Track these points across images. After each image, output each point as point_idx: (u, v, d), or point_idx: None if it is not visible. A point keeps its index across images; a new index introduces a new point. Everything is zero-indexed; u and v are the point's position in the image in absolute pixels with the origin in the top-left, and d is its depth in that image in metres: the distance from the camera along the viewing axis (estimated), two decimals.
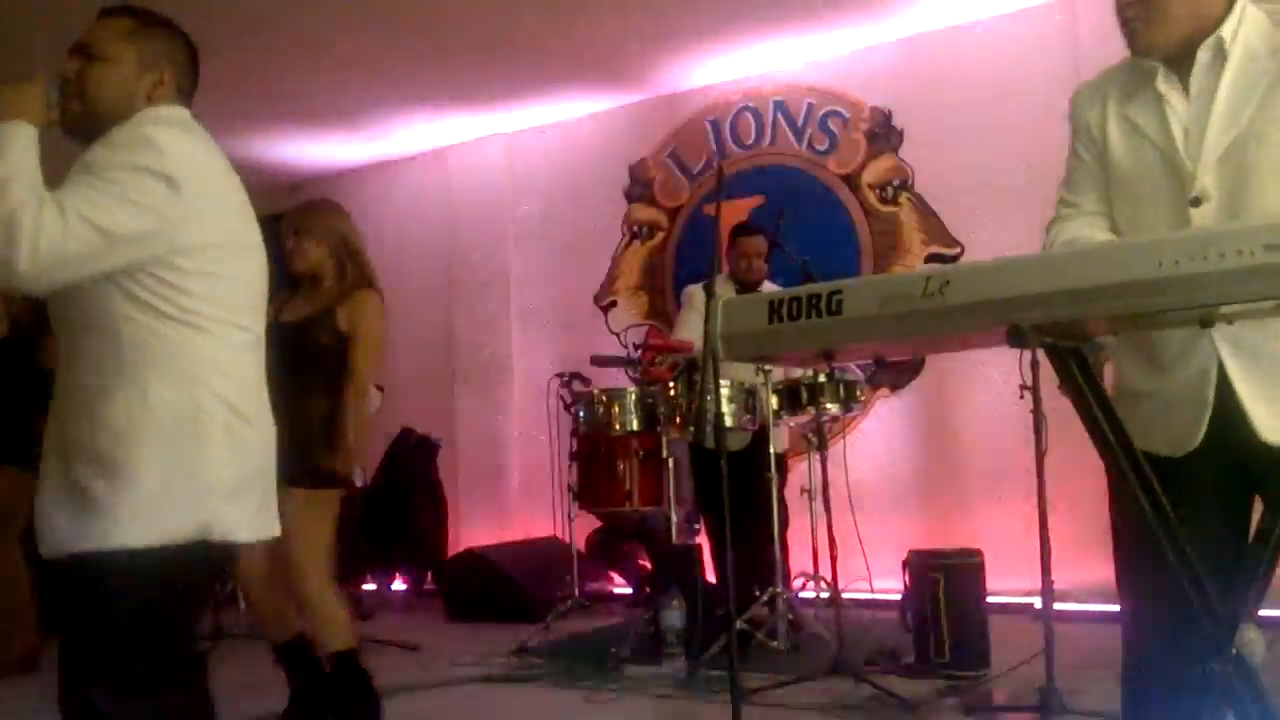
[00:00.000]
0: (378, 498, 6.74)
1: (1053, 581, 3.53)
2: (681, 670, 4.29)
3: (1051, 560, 3.56)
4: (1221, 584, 1.65)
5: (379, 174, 8.13)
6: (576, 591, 5.46)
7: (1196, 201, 1.82)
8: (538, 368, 6.93)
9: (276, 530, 2.12)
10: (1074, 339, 1.68)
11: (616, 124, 7.20)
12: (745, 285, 4.96)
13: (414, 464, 6.98)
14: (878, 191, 6.33)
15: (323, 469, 3.33)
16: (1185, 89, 1.88)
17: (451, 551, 6.85)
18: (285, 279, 3.45)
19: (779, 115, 6.64)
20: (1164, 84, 1.89)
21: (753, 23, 5.98)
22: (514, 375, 7.49)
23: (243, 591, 4.15)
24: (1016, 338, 1.54)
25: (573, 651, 4.77)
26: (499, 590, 5.88)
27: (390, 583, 7.15)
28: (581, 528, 5.77)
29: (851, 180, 6.40)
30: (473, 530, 7.22)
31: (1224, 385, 1.79)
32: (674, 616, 4.43)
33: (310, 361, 3.41)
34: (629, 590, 6.24)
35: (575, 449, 5.10)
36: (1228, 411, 1.79)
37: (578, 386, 5.19)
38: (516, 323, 7.56)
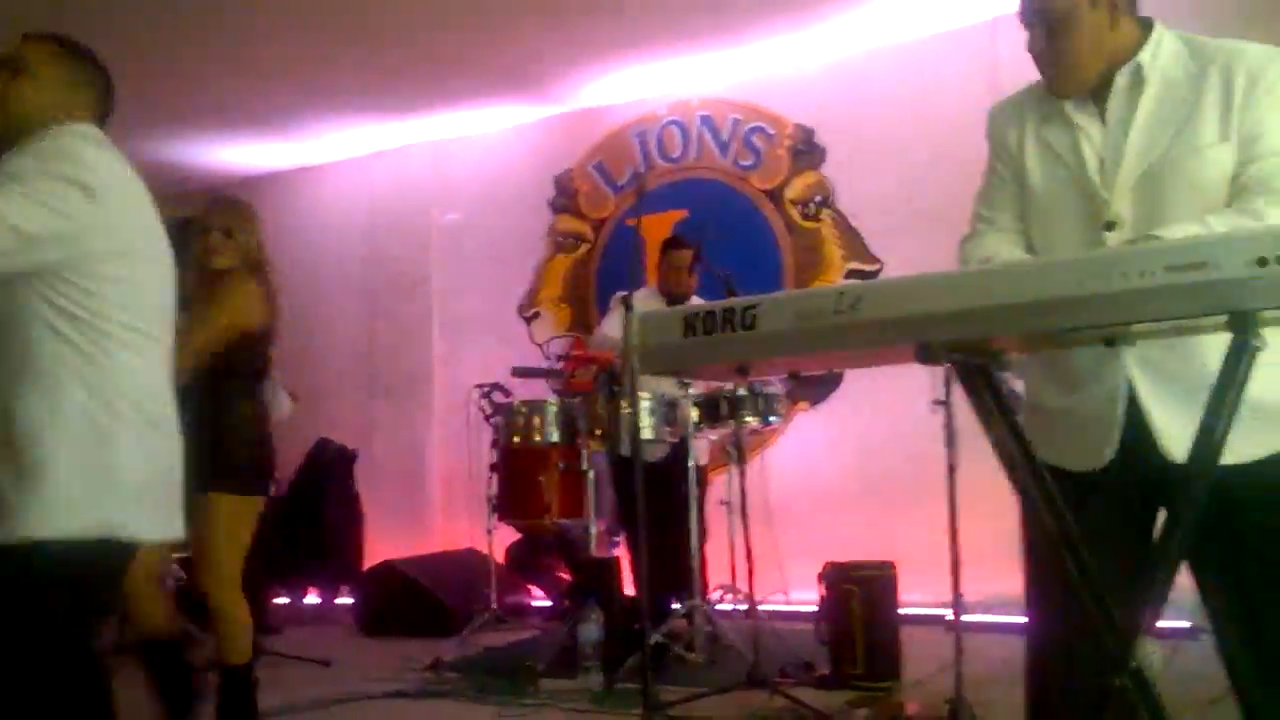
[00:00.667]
0: (292, 508, 6.59)
1: (962, 594, 3.59)
2: (598, 684, 4.26)
3: (964, 572, 3.61)
4: (1128, 598, 1.68)
5: (300, 180, 8.00)
6: (494, 605, 5.40)
7: (1110, 226, 1.86)
8: (459, 378, 6.85)
9: (180, 532, 2.18)
10: (983, 356, 1.70)
11: (542, 135, 7.18)
12: (674, 299, 4.98)
13: (330, 475, 6.86)
14: (800, 208, 6.39)
15: (235, 472, 3.27)
16: (1101, 114, 1.91)
17: (367, 564, 6.73)
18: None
19: (704, 130, 6.68)
20: (1077, 112, 1.92)
21: (679, 38, 6.02)
22: (434, 386, 7.41)
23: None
24: (926, 355, 1.55)
25: (489, 666, 4.71)
26: (415, 604, 5.79)
27: (303, 596, 7.01)
28: (501, 540, 5.72)
29: (775, 196, 6.46)
30: (390, 542, 7.10)
31: (1134, 404, 1.83)
32: (591, 630, 4.40)
33: (215, 364, 3.33)
34: (548, 603, 6.20)
35: (495, 461, 5.06)
36: (1138, 429, 1.83)
37: (498, 398, 5.15)
38: (438, 333, 7.48)
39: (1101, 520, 1.83)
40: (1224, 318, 1.43)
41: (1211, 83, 1.83)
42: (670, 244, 5.21)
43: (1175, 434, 1.78)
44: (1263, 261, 1.38)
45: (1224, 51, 1.85)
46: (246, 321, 3.39)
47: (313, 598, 7.02)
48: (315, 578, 6.95)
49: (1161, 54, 1.88)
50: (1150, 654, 1.56)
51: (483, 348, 7.12)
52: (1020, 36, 1.96)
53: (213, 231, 3.45)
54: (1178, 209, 1.81)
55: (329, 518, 6.76)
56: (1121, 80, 1.89)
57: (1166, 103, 1.85)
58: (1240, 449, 1.58)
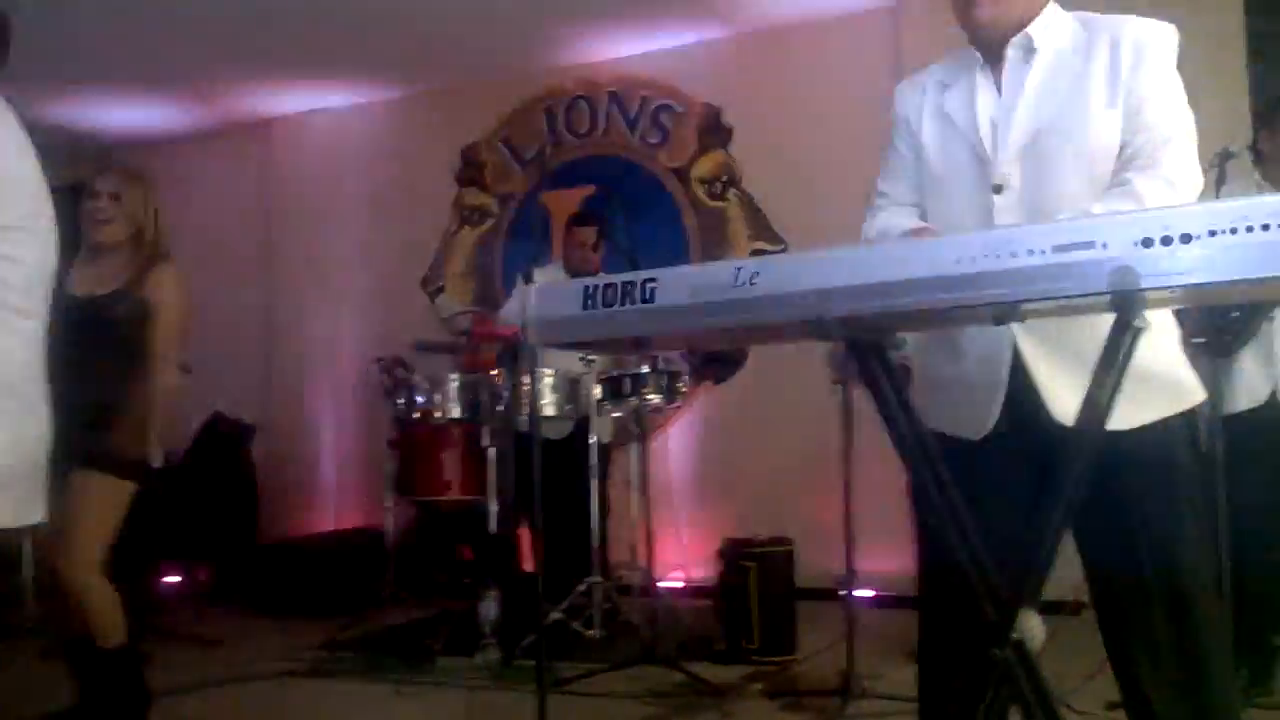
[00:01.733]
0: (183, 485, 6.39)
1: (856, 570, 3.65)
2: (496, 661, 4.24)
3: (860, 549, 3.68)
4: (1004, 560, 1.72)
5: (196, 144, 7.72)
6: (391, 583, 5.33)
7: (998, 189, 1.90)
8: (359, 352, 6.73)
9: (41, 517, 2.08)
10: (877, 333, 1.72)
11: (449, 105, 7.05)
12: (579, 275, 4.93)
13: (223, 450, 6.67)
14: (707, 186, 6.41)
15: (114, 453, 3.13)
16: (997, 84, 1.97)
17: (261, 542, 6.59)
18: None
19: (613, 106, 6.65)
20: (979, 76, 1.98)
21: (588, 12, 5.96)
22: (334, 360, 7.26)
23: (40, 582, 3.88)
24: (819, 330, 1.56)
25: (385, 644, 4.65)
26: (309, 582, 5.68)
27: (193, 574, 6.81)
28: (399, 518, 5.64)
29: (681, 174, 6.46)
30: (286, 520, 6.96)
31: (1019, 368, 1.87)
32: (490, 607, 4.37)
33: (105, 338, 3.21)
34: (446, 582, 6.13)
35: (394, 436, 4.98)
36: (1024, 394, 1.87)
37: (399, 372, 5.05)
38: (338, 306, 7.32)
39: (992, 486, 1.86)
40: (1108, 297, 1.47)
41: (1100, 52, 1.89)
42: (575, 220, 5.18)
43: (1062, 398, 1.81)
44: (1147, 242, 1.41)
45: (1112, 23, 1.91)
46: (185, 312, 3.31)
47: (203, 576, 6.82)
48: (207, 555, 6.75)
49: (1053, 26, 1.95)
50: (1032, 627, 1.59)
51: (384, 321, 6.99)
52: (922, 25, 1.98)
53: (101, 196, 3.31)
54: (1064, 173, 1.87)
55: (222, 494, 6.57)
56: (1013, 52, 1.95)
57: (1056, 72, 1.92)
58: (1125, 416, 1.61)
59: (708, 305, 1.64)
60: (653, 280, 1.70)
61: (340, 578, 5.63)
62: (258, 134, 7.61)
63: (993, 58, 1.98)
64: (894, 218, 2.05)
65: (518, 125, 6.89)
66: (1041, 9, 1.96)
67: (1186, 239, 1.39)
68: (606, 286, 1.73)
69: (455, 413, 4.70)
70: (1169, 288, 1.43)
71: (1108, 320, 1.79)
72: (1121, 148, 1.86)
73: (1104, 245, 1.43)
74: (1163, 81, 1.86)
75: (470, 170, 7.02)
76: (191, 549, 6.59)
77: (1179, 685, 1.81)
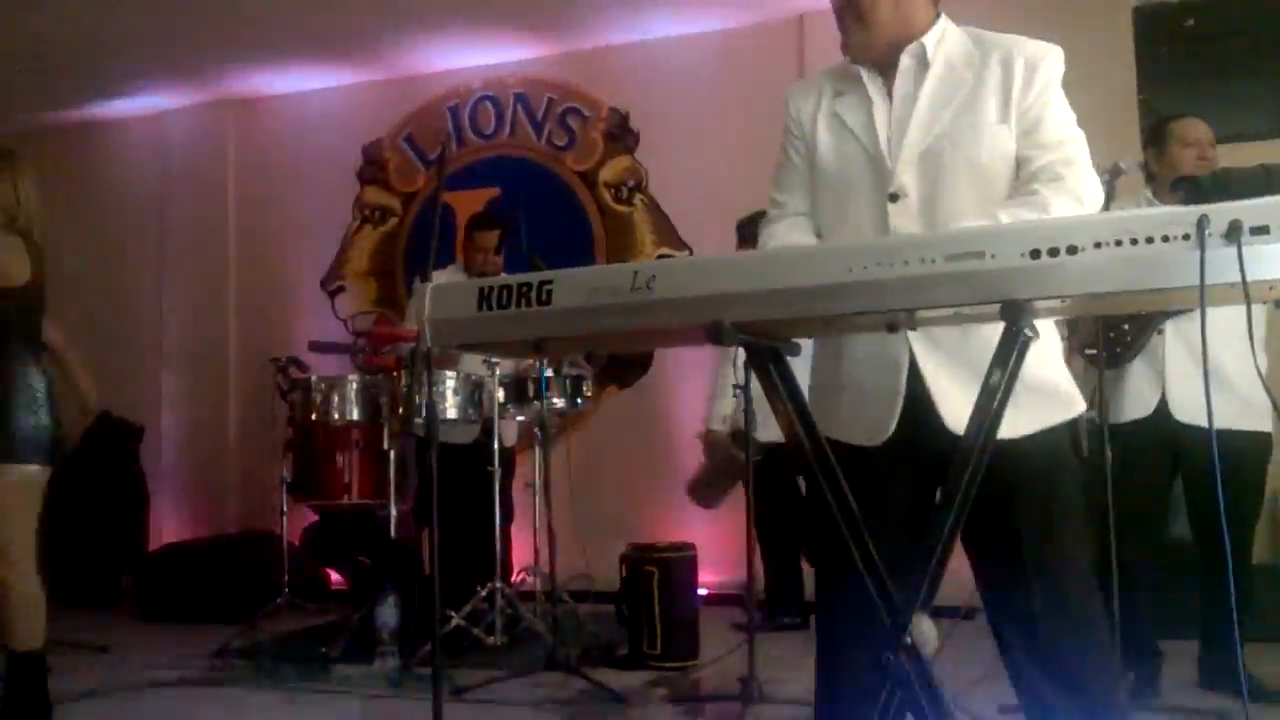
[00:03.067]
0: (68, 486, 6.14)
1: (757, 575, 3.67)
2: (394, 669, 4.16)
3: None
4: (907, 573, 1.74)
5: (87, 135, 7.46)
6: (287, 589, 5.19)
7: (894, 197, 1.93)
8: (255, 352, 6.55)
9: None
10: (773, 338, 1.72)
11: (352, 102, 6.92)
12: (479, 276, 4.88)
13: (111, 451, 6.43)
14: (613, 191, 6.40)
15: (24, 444, 3.04)
16: (890, 92, 1.99)
17: (151, 546, 6.37)
18: None
19: (519, 107, 6.60)
20: (870, 85, 1.99)
21: (496, 12, 5.91)
22: (229, 359, 7.07)
23: None
24: (716, 334, 1.56)
25: (279, 652, 4.53)
26: (201, 588, 5.52)
27: (80, 579, 6.55)
28: (296, 522, 5.51)
29: (588, 178, 6.45)
30: (176, 524, 6.76)
31: (915, 377, 1.89)
32: (389, 614, 4.28)
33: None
34: (345, 588, 6.01)
35: (290, 438, 4.87)
36: (919, 403, 1.89)
37: (295, 373, 4.93)
38: (234, 303, 7.13)
39: (887, 493, 1.88)
40: (998, 306, 1.49)
41: (992, 69, 1.92)
42: (475, 223, 5.11)
43: (955, 409, 1.83)
44: (1035, 253, 1.44)
45: (1004, 43, 1.95)
46: (3, 277, 3.16)
47: (90, 580, 6.56)
48: (93, 560, 6.50)
49: (946, 39, 1.98)
50: (925, 632, 1.61)
51: (282, 321, 6.83)
52: (826, 37, 2.00)
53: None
54: (957, 184, 1.90)
55: (109, 496, 6.34)
56: (906, 60, 1.97)
57: (949, 83, 1.94)
58: (1011, 425, 1.64)
59: (604, 308, 1.63)
60: (549, 282, 1.68)
61: (233, 583, 5.47)
62: (153, 126, 7.37)
63: (884, 66, 2.00)
64: (792, 232, 2.05)
65: (421, 124, 6.80)
66: (928, 23, 1.98)
67: (1073, 251, 1.42)
68: (502, 288, 1.71)
69: (354, 415, 4.61)
70: (1056, 298, 1.47)
71: (999, 330, 1.85)
72: (1020, 164, 1.89)
73: (993, 256, 1.46)
74: (1054, 102, 1.91)
75: (372, 168, 6.90)
76: (78, 552, 6.34)
77: (1066, 683, 1.85)
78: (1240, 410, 3.10)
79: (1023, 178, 1.89)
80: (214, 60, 6.51)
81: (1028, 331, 1.52)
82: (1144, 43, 5.35)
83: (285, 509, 5.08)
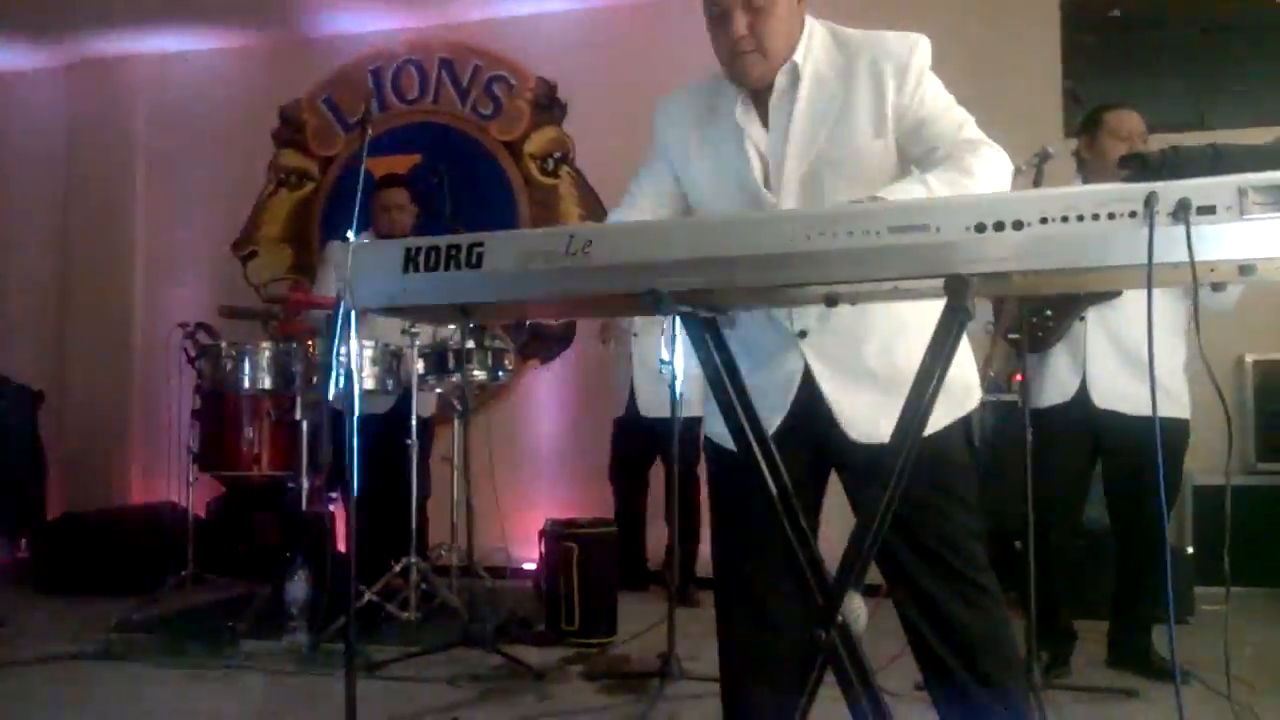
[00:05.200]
0: None
1: (674, 552, 3.64)
2: (304, 644, 4.05)
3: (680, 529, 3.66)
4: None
5: None
6: (192, 562, 5.04)
7: None
8: (162, 317, 6.32)
9: None
10: (711, 309, 1.68)
11: (269, 61, 6.70)
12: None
13: (8, 416, 6.17)
14: (539, 162, 6.31)
15: None
16: (763, 116, 1.92)
17: (50, 516, 6.13)
18: None
19: (444, 73, 6.45)
20: (742, 114, 1.93)
21: None
22: (135, 324, 6.81)
23: None
24: (655, 303, 1.50)
25: (184, 626, 4.39)
26: (102, 559, 5.32)
27: None
28: (203, 493, 5.35)
29: (514, 148, 6.34)
30: (80, 493, 6.50)
31: (809, 389, 1.90)
32: (299, 588, 4.16)
33: None
34: (253, 561, 5.85)
35: (198, 407, 4.70)
36: (812, 404, 1.89)
37: (205, 339, 4.76)
38: (141, 266, 6.87)
39: (761, 487, 1.86)
40: (940, 281, 1.46)
41: (861, 78, 1.86)
42: (380, 182, 4.95)
43: (848, 414, 1.87)
44: (980, 227, 1.41)
45: (867, 44, 1.88)
46: None
47: None
48: None
49: (813, 50, 1.90)
50: (856, 609, 1.59)
51: (190, 285, 6.60)
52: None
53: None
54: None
55: (6, 463, 6.08)
56: (781, 80, 1.90)
57: (819, 100, 1.88)
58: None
59: (538, 274, 1.57)
60: (480, 244, 1.61)
61: (137, 555, 5.28)
62: (57, 78, 7.04)
63: (756, 89, 1.93)
64: (629, 218, 2.00)
65: (342, 86, 6.61)
66: (801, 33, 1.91)
67: (1019, 225, 1.39)
68: (430, 249, 1.63)
69: (266, 383, 4.47)
70: (1000, 273, 1.44)
71: (892, 338, 1.86)
72: (919, 161, 1.84)
73: (938, 229, 1.43)
74: (932, 95, 1.85)
75: (289, 130, 6.70)
76: None
77: (969, 662, 1.86)
78: (1160, 398, 3.16)
79: (926, 165, 1.82)
80: (121, 12, 6.23)
81: (969, 307, 1.49)
82: (1070, 31, 5.43)
83: (191, 480, 4.92)
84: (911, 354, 1.58)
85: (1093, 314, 3.40)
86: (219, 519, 5.75)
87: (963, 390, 1.94)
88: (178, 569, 4.82)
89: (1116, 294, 3.25)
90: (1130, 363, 3.34)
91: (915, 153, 1.85)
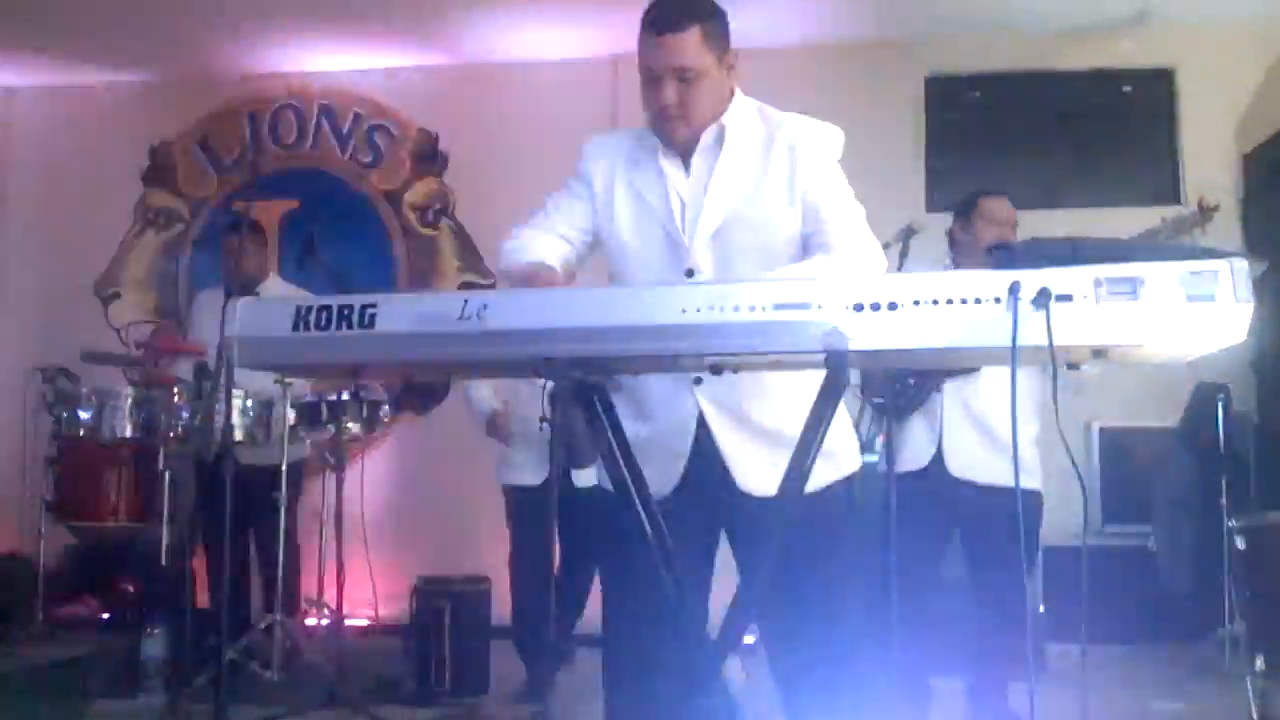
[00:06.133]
0: None
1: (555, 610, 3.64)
2: (161, 704, 3.89)
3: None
4: (699, 612, 1.76)
5: None
6: (42, 616, 4.79)
7: (690, 274, 1.98)
8: (16, 359, 6.03)
9: None
10: (603, 375, 1.72)
11: (140, 99, 6.53)
12: (232, 286, 4.51)
13: None
14: (419, 213, 6.29)
15: None
16: (686, 168, 2.03)
17: None
18: None
19: (324, 120, 6.40)
20: (666, 161, 2.03)
21: (302, 17, 5.71)
22: None
23: None
24: (550, 370, 1.54)
25: (29, 684, 4.16)
26: None
27: None
28: (55, 544, 5.10)
29: (393, 198, 6.31)
30: None
31: (704, 436, 1.96)
32: (156, 645, 4.00)
33: None
34: (107, 616, 5.58)
35: (53, 454, 4.51)
36: (706, 458, 1.96)
37: (62, 384, 4.57)
38: None
39: (675, 540, 1.90)
40: (820, 356, 1.54)
41: (779, 152, 1.99)
42: (228, 228, 4.83)
43: (743, 468, 1.94)
44: (859, 307, 1.49)
45: (788, 125, 2.02)
46: None
47: None
48: None
49: (739, 117, 2.03)
50: (733, 668, 1.63)
51: (48, 326, 6.32)
52: (639, 79, 2.00)
53: None
54: (750, 263, 1.97)
55: None
56: (707, 138, 2.01)
57: (742, 164, 2.00)
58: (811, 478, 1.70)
59: (431, 335, 1.59)
60: (372, 305, 1.63)
61: None
62: None
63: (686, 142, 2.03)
64: (533, 238, 2.07)
65: (217, 127, 6.48)
66: (730, 99, 2.03)
67: (894, 306, 1.48)
68: (321, 308, 1.64)
69: (126, 431, 4.32)
70: (876, 351, 1.52)
71: (786, 394, 1.91)
72: (805, 241, 1.98)
73: (820, 307, 1.51)
74: (833, 182, 1.99)
75: (159, 171, 6.52)
76: None
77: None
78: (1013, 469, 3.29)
79: (810, 249, 1.97)
80: None
81: (847, 379, 1.57)
82: (934, 110, 5.71)
83: (44, 530, 4.70)
84: (800, 413, 1.65)
85: (949, 386, 3.52)
86: (69, 572, 5.48)
87: (843, 452, 2.03)
88: (26, 624, 4.58)
89: (975, 369, 3.40)
90: (984, 434, 3.48)
91: (807, 230, 1.97)
